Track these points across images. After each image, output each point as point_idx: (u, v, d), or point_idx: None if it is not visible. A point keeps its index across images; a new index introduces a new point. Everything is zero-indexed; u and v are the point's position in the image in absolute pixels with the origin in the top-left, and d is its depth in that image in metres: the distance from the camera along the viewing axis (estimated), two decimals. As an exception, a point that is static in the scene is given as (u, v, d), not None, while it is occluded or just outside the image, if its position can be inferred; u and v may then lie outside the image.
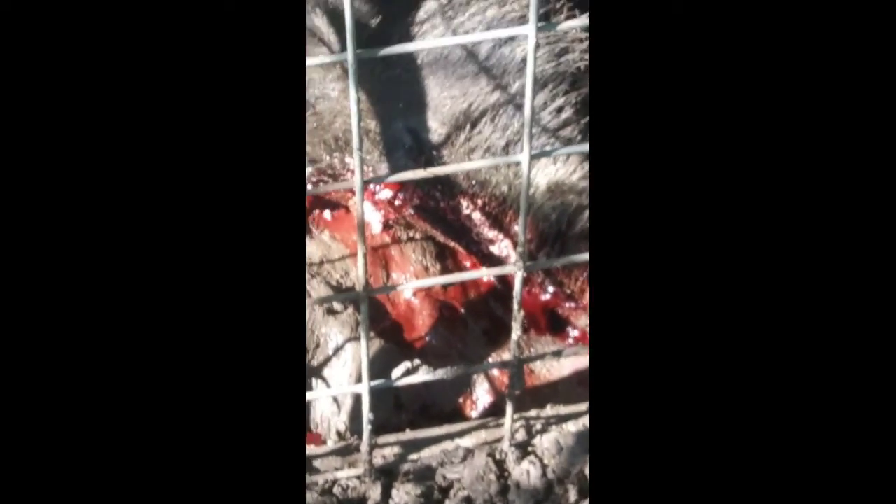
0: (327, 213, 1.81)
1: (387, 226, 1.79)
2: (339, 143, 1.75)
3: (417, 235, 1.81)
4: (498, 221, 1.78)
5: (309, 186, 1.73)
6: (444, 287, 1.79)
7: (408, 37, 1.73)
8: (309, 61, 1.07)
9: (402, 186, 1.76)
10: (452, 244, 1.80)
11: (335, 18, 1.73)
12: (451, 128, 1.74)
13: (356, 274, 1.76)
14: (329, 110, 1.76)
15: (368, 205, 1.75)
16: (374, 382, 1.46)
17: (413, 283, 1.50)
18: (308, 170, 1.73)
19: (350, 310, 1.70)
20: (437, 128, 1.74)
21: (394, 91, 1.75)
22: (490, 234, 1.82)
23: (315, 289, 1.69)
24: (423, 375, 1.54)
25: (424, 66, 1.75)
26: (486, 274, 1.56)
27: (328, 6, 1.74)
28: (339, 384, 1.66)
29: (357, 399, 1.65)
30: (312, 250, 1.77)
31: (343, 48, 1.70)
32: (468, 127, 1.72)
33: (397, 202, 1.79)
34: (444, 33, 1.70)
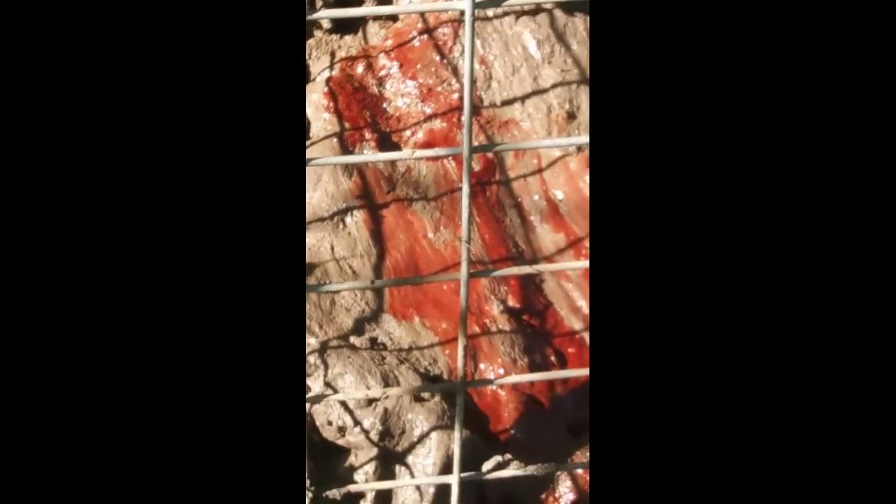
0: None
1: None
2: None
3: (507, 327, 1.81)
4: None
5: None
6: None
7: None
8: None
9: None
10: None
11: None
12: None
13: (444, 361, 1.77)
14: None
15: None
16: (465, 474, 1.45)
17: (509, 378, 1.49)
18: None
19: (437, 398, 1.69)
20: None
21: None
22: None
23: (403, 375, 1.69)
24: (514, 470, 1.53)
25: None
26: (579, 374, 1.55)
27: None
28: (422, 472, 1.64)
29: (441, 489, 1.64)
30: (401, 335, 1.78)
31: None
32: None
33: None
34: None
